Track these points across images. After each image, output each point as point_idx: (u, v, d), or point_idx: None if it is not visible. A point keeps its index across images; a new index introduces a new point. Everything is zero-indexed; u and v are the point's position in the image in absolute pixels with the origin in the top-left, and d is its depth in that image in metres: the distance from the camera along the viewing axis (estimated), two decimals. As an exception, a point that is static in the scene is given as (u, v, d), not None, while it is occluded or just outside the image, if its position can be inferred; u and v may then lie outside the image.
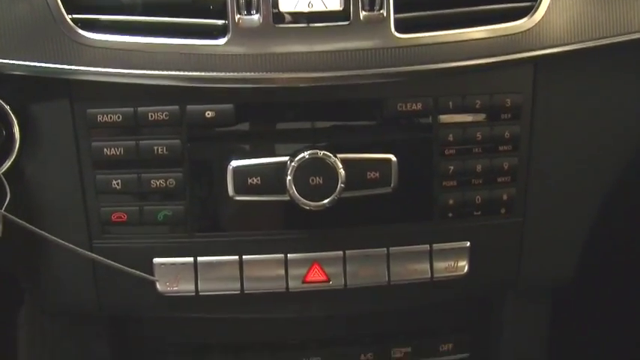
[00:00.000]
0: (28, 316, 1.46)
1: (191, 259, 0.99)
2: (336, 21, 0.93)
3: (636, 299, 1.50)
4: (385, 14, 0.93)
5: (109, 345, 1.10)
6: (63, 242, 0.93)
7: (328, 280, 1.00)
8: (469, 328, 1.18)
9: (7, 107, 0.93)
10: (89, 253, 0.96)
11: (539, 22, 0.96)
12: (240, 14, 0.91)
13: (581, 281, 1.12)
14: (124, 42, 0.92)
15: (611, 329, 1.58)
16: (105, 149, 0.96)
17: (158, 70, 0.93)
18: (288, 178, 0.94)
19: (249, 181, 0.96)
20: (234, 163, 0.96)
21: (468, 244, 1.02)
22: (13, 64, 0.92)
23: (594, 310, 1.57)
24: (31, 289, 1.04)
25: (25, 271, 1.03)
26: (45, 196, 0.98)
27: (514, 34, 0.96)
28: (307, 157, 0.94)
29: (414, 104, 0.97)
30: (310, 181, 0.94)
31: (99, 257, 0.95)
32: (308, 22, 0.93)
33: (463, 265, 1.02)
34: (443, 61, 0.95)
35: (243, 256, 0.99)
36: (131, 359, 1.14)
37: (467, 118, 0.99)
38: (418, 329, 1.16)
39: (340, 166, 0.94)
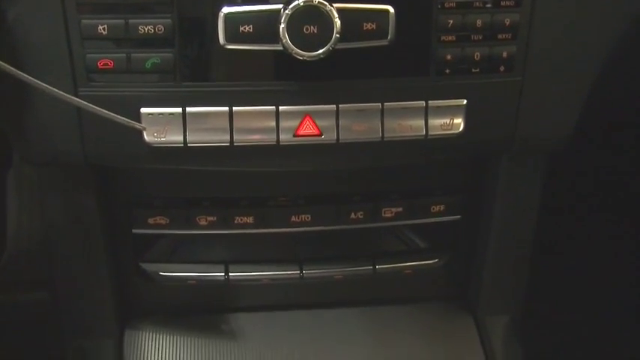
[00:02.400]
0: (18, 178, 1.45)
1: (180, 109, 0.96)
2: None
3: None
4: None
5: (95, 197, 1.08)
6: (48, 87, 0.90)
7: (320, 134, 0.98)
8: (462, 190, 1.17)
9: None
10: (74, 98, 0.93)
11: None
12: None
13: (576, 146, 1.10)
14: None
15: (605, 195, 1.59)
16: None
17: None
18: (282, 26, 0.90)
19: (241, 28, 0.92)
20: (226, 10, 0.92)
21: (465, 101, 1.00)
22: None
23: (588, 174, 1.57)
24: (16, 138, 1.02)
25: (9, 119, 1.01)
26: (28, 41, 0.94)
27: None
28: (302, 4, 0.90)
29: None
30: (304, 30, 0.90)
31: (83, 102, 0.93)
32: None
33: (459, 124, 1.00)
34: None
35: (234, 108, 0.96)
36: (117, 212, 1.13)
37: None
38: (410, 190, 1.15)
39: (336, 15, 0.90)
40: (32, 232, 1.47)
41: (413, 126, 0.99)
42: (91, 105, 0.93)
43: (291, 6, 0.90)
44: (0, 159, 1.41)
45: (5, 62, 0.88)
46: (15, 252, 1.47)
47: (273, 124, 0.97)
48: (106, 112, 0.93)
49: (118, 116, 0.94)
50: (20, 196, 1.48)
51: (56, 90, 0.91)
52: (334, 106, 0.97)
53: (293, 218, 1.13)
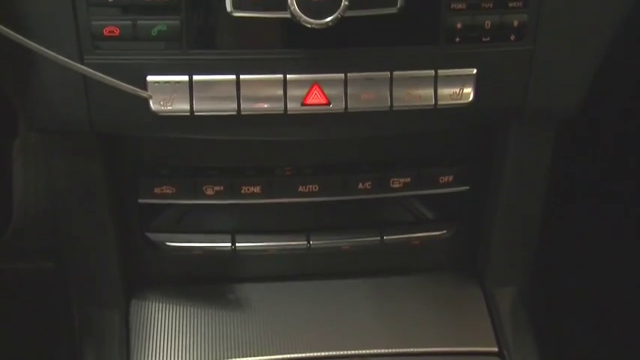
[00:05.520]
0: (24, 148, 1.45)
1: (186, 77, 0.95)
2: None
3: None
4: None
5: (102, 165, 1.08)
6: (53, 54, 0.89)
7: (328, 103, 0.97)
8: (470, 160, 1.16)
9: None
10: (79, 65, 0.92)
11: None
12: None
13: (586, 115, 1.09)
14: None
15: (617, 164, 1.58)
16: None
17: None
18: None
19: None
20: None
21: (475, 71, 0.98)
22: None
23: (597, 145, 1.56)
24: (22, 106, 1.01)
25: (15, 86, 1.00)
26: (34, 7, 0.93)
27: None
28: None
29: None
30: None
31: (89, 70, 0.92)
32: None
33: (468, 93, 0.99)
34: None
35: (241, 76, 0.95)
36: (124, 181, 1.12)
37: None
38: (418, 160, 1.14)
39: None
40: (39, 201, 1.47)
41: (422, 95, 0.98)
42: (96, 72, 0.92)
43: None
44: (6, 127, 1.40)
45: (11, 28, 0.87)
46: (21, 221, 1.47)
47: (281, 92, 0.96)
48: (112, 79, 0.92)
49: (124, 84, 0.93)
50: (27, 164, 1.48)
51: (62, 57, 0.90)
52: (342, 74, 0.96)
53: (300, 188, 1.12)
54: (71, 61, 0.91)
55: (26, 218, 1.47)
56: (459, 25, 0.96)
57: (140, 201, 1.13)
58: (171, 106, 0.96)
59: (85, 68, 0.92)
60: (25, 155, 1.49)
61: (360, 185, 1.13)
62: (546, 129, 1.12)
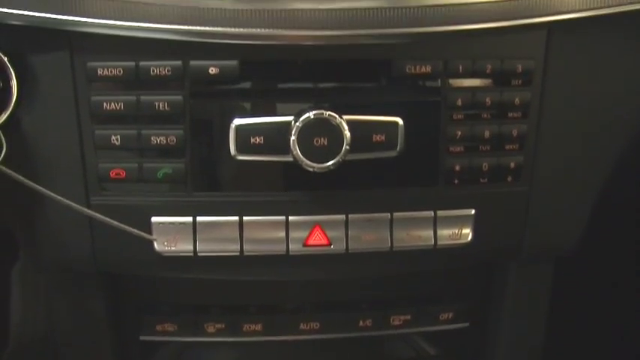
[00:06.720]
0: (23, 274, 1.45)
1: (190, 218, 0.97)
2: None
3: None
4: None
5: (104, 301, 1.08)
6: (59, 198, 0.91)
7: (329, 244, 0.98)
8: (470, 297, 1.16)
9: (5, 58, 0.91)
10: (86, 209, 0.94)
11: None
12: None
13: (585, 252, 1.10)
14: None
15: (611, 301, 1.58)
16: (105, 104, 0.93)
17: (160, 23, 0.90)
18: (292, 138, 0.92)
19: (252, 140, 0.93)
20: (237, 122, 0.93)
21: (473, 211, 1.00)
22: (12, 13, 0.89)
23: (596, 282, 1.57)
24: (26, 244, 1.02)
25: (21, 226, 1.01)
26: (42, 150, 0.95)
27: None
28: (312, 117, 0.92)
29: (423, 67, 0.95)
30: (315, 142, 0.92)
31: (96, 214, 0.93)
32: None
33: (467, 233, 1.00)
34: (453, 24, 0.92)
35: (244, 217, 0.97)
36: (126, 317, 1.12)
37: (476, 82, 0.97)
38: (418, 297, 1.15)
39: (346, 127, 0.92)
40: (37, 326, 1.46)
41: (422, 236, 0.99)
42: (102, 216, 0.94)
43: (301, 118, 0.92)
44: (6, 253, 1.41)
45: (18, 169, 0.90)
46: (17, 349, 1.46)
47: (283, 234, 0.97)
48: (118, 223, 0.94)
49: (129, 227, 0.94)
50: (24, 292, 1.48)
51: (67, 201, 0.92)
52: (343, 216, 0.98)
53: (302, 326, 1.12)
54: (77, 205, 0.93)
55: (22, 345, 1.46)
56: (457, 168, 0.98)
57: (142, 338, 1.13)
58: (174, 246, 0.97)
59: (91, 212, 0.94)
60: (24, 281, 1.49)
61: (361, 323, 1.13)
62: (545, 265, 1.13)
